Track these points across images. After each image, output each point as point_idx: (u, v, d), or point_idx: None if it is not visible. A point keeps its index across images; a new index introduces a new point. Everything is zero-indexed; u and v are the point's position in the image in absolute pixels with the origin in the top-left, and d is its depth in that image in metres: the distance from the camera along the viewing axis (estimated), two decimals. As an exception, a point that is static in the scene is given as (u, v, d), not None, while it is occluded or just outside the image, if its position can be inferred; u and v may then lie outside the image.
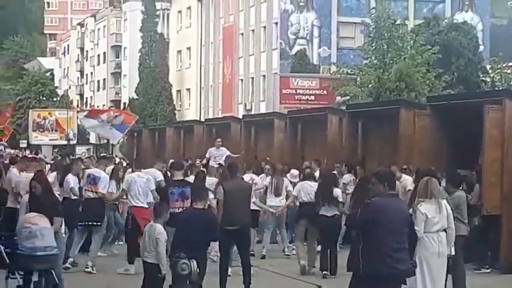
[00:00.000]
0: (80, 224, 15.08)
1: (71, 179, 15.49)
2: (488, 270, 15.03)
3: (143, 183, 14.75)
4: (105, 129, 26.82)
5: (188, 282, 8.89)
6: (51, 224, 10.87)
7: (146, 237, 10.40)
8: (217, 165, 19.14)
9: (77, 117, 74.38)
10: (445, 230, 10.05)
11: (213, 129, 29.56)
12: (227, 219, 12.34)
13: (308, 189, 15.05)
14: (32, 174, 14.54)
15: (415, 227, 9.52)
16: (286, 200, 16.54)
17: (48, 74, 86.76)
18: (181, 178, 14.09)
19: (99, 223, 15.11)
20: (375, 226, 8.30)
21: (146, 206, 14.49)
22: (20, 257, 10.51)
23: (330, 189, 14.48)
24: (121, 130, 26.85)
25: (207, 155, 23.45)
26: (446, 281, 10.51)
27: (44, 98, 78.81)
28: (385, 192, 8.55)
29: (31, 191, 11.59)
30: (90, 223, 15.04)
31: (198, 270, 9.45)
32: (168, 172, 16.92)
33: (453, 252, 10.27)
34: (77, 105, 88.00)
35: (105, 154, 38.06)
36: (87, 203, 15.16)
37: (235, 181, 13.26)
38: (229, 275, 12.68)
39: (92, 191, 15.21)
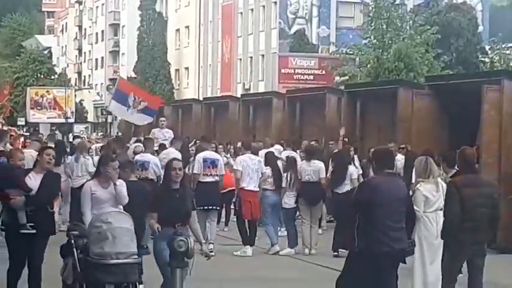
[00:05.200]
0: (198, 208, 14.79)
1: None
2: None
3: None
4: (132, 117, 26.43)
5: (185, 259, 8.87)
6: (185, 223, 8.97)
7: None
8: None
9: (75, 96, 74.53)
10: (441, 209, 10.05)
11: (211, 108, 29.53)
12: None
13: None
14: (33, 150, 14.31)
15: (415, 207, 9.50)
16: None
17: (46, 51, 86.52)
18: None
19: (217, 207, 15.02)
20: (369, 205, 8.28)
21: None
22: (87, 265, 8.35)
23: None
24: (149, 114, 26.35)
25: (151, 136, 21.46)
26: (442, 260, 10.52)
27: (42, 76, 78.63)
28: (381, 170, 8.54)
29: (170, 178, 9.08)
30: (208, 207, 14.54)
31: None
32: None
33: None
34: (75, 84, 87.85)
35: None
36: (205, 186, 14.58)
37: None
38: None
39: (211, 174, 14.71)
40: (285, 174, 14.87)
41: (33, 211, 9.44)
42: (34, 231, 9.44)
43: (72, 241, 8.62)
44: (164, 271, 8.87)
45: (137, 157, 15.61)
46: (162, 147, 18.41)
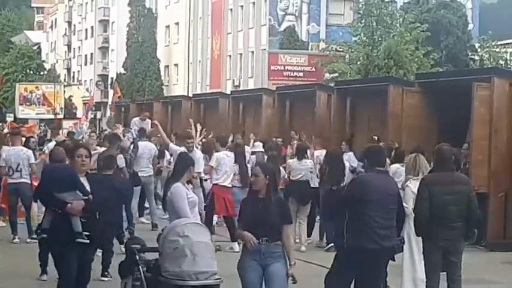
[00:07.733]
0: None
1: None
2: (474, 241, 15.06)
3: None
4: None
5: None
6: (283, 236, 7.66)
7: None
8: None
9: (64, 92, 74.30)
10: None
11: (201, 105, 29.48)
12: None
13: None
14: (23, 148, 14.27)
15: (404, 204, 9.49)
16: None
17: (35, 47, 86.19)
18: None
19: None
20: (360, 201, 8.26)
21: None
22: (159, 286, 7.25)
23: None
24: None
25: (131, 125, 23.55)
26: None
27: (31, 72, 78.33)
28: (371, 168, 8.53)
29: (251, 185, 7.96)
30: None
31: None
32: None
33: None
34: (64, 80, 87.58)
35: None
36: None
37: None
38: None
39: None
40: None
41: (87, 218, 8.29)
42: (88, 241, 8.24)
43: (136, 257, 7.50)
44: None
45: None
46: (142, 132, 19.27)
